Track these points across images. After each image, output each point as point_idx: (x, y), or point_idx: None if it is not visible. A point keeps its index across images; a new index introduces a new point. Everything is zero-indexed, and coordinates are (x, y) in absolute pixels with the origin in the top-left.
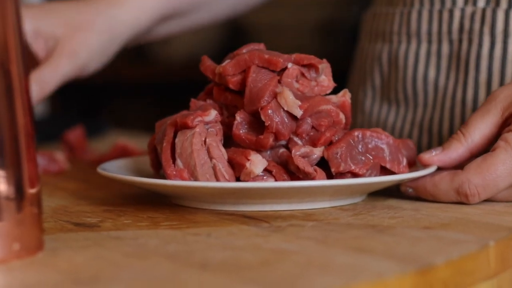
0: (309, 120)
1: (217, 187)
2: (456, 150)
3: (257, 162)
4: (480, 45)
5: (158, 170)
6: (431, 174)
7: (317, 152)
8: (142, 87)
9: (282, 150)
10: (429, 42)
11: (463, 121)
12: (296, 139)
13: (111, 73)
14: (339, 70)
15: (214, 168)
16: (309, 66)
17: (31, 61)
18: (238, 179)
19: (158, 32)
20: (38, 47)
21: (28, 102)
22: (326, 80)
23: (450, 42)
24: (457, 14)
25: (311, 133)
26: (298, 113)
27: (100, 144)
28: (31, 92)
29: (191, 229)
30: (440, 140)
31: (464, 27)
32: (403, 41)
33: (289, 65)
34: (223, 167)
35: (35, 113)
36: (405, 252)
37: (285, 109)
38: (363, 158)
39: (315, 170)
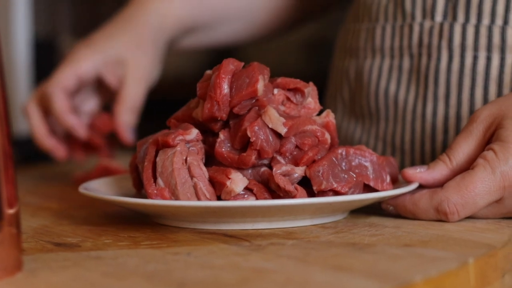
0: (293, 139)
1: (197, 206)
2: (441, 171)
3: (237, 181)
4: (438, 59)
5: (140, 189)
6: (411, 192)
7: (299, 171)
8: None
9: (263, 168)
10: (392, 57)
11: (424, 138)
12: (279, 157)
13: None
14: (325, 88)
15: (195, 187)
16: (295, 90)
17: (107, 93)
18: (219, 198)
19: (180, 44)
20: (110, 78)
21: (5, 122)
22: (312, 102)
23: (411, 56)
24: (416, 28)
25: (295, 153)
26: (283, 130)
27: (86, 162)
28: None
29: (171, 248)
30: (403, 153)
31: (423, 41)
32: (368, 57)
33: (275, 90)
34: (204, 186)
35: (18, 134)
36: (384, 269)
37: (270, 126)
38: (345, 176)
39: (296, 188)
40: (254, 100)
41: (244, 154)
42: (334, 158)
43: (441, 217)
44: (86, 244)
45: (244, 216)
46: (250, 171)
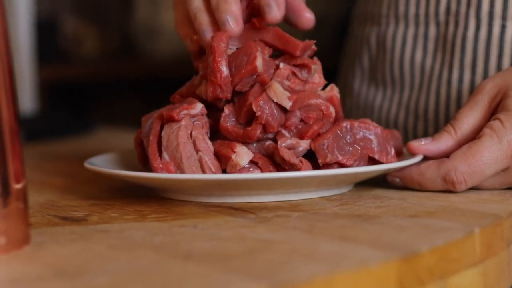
0: (298, 113)
1: (203, 179)
2: (446, 142)
3: (242, 154)
4: (466, 27)
5: (145, 164)
6: (417, 163)
7: (303, 145)
8: (131, 83)
9: (268, 142)
10: (417, 24)
11: (449, 103)
12: (284, 131)
13: (99, 70)
14: (331, 66)
15: (200, 160)
16: (302, 66)
17: None
18: (224, 171)
19: None
20: None
21: (12, 97)
22: (317, 77)
23: (437, 24)
24: None
25: (300, 126)
26: (288, 104)
27: (89, 141)
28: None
29: (177, 221)
30: (426, 122)
31: (451, 9)
32: (391, 24)
33: (281, 65)
34: (209, 160)
35: (24, 112)
36: (390, 240)
37: (275, 100)
38: (350, 149)
39: (301, 161)
40: (255, 77)
41: (249, 128)
42: (339, 131)
43: (448, 186)
44: (92, 218)
45: (249, 189)
46: (255, 145)
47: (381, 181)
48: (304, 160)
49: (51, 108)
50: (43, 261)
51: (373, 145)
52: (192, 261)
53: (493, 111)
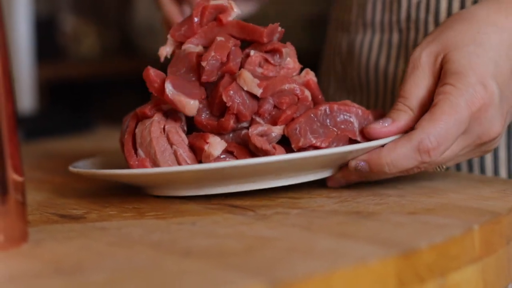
0: (270, 99)
1: (173, 172)
2: (406, 121)
3: (215, 144)
4: (426, 33)
5: None
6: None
7: (276, 130)
8: (130, 82)
9: (244, 131)
10: (382, 31)
11: None
12: (258, 119)
13: (99, 69)
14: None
15: (175, 154)
16: (273, 51)
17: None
18: (200, 163)
19: None
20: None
21: (10, 92)
22: (291, 62)
23: (399, 31)
24: (404, 4)
25: (273, 113)
26: (258, 91)
27: (88, 140)
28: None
29: (176, 219)
30: None
31: (411, 16)
32: (359, 31)
33: (251, 52)
34: (184, 152)
35: (23, 111)
36: (389, 237)
37: (245, 89)
38: (324, 131)
39: (274, 147)
40: (220, 66)
41: (223, 119)
42: (312, 115)
43: (423, 156)
44: (91, 216)
45: (224, 178)
46: (231, 135)
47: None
48: (277, 146)
49: (50, 107)
50: (42, 258)
51: (354, 127)
52: (190, 258)
53: (436, 80)
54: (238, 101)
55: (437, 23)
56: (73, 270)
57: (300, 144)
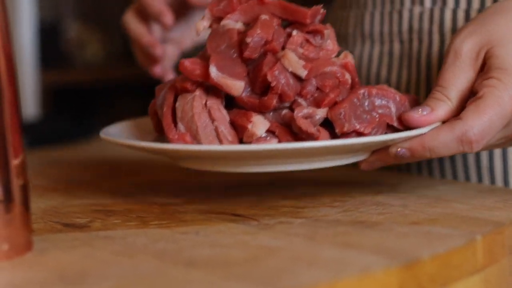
0: (313, 81)
1: (219, 151)
2: (445, 112)
3: (259, 124)
4: (430, 43)
5: (162, 133)
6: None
7: (320, 113)
8: (134, 88)
9: (285, 111)
10: (382, 43)
11: None
12: (300, 100)
13: (103, 75)
14: None
15: (216, 130)
16: (315, 32)
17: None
18: (241, 141)
19: None
20: None
21: (15, 99)
22: (330, 44)
23: (401, 42)
24: (405, 14)
25: (316, 95)
26: (303, 73)
27: (92, 146)
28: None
29: (179, 228)
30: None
31: (413, 27)
32: (357, 43)
33: (294, 32)
34: (226, 129)
35: (27, 117)
36: (392, 247)
37: (290, 70)
38: (367, 116)
39: (318, 130)
40: (264, 44)
41: (265, 98)
42: (355, 99)
43: (464, 147)
44: (95, 225)
45: (266, 158)
46: (271, 113)
47: (384, 186)
48: (321, 129)
49: (54, 113)
50: (46, 267)
51: (391, 112)
52: (194, 267)
53: (477, 73)
54: (283, 82)
55: (442, 33)
56: (77, 279)
57: (345, 129)
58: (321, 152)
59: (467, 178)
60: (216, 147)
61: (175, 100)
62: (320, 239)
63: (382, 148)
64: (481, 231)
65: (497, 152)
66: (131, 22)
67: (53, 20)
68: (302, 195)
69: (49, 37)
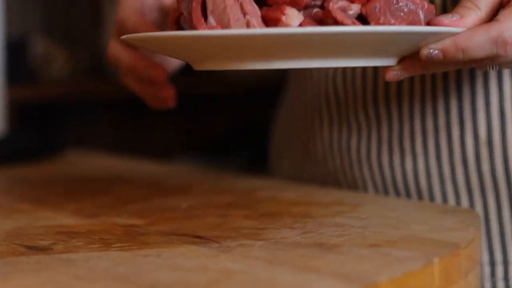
0: None
1: (257, 34)
2: (473, 20)
3: (293, 16)
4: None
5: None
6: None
7: (354, 8)
8: (101, 104)
9: (316, 10)
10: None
11: (437, 130)
12: None
13: (70, 91)
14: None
15: (247, 24)
16: None
17: None
18: None
19: None
20: None
21: None
22: None
23: None
24: None
25: None
26: None
27: (59, 164)
28: None
29: (141, 250)
30: (414, 155)
31: None
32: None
33: None
34: (257, 23)
35: None
36: (350, 270)
37: None
38: (402, 14)
39: (354, 23)
40: None
41: None
42: None
43: (499, 49)
44: (58, 247)
45: (299, 48)
46: (302, 12)
47: (343, 206)
48: (356, 22)
49: (20, 130)
50: None
51: (420, 19)
52: None
53: None
54: None
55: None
56: None
57: (381, 22)
58: (353, 41)
59: (445, 199)
60: (255, 30)
61: None
62: (279, 263)
63: (411, 54)
64: (439, 253)
65: (473, 168)
66: (119, 51)
67: (20, 36)
68: (263, 216)
69: (16, 52)
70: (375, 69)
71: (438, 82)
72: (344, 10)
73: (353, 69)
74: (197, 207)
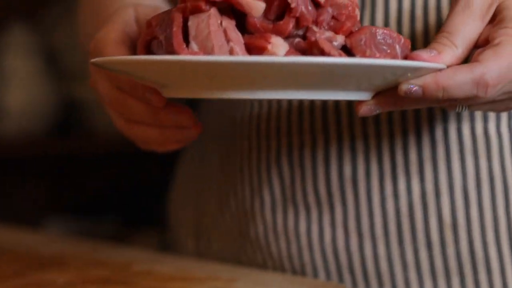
0: (330, 9)
1: (250, 61)
2: (450, 57)
3: (279, 45)
4: (404, 132)
5: None
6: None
7: (339, 39)
8: None
9: (298, 39)
10: (340, 137)
11: (399, 215)
12: (315, 28)
13: None
14: None
15: (231, 51)
16: None
17: None
18: None
19: None
20: None
21: None
22: None
23: (365, 136)
24: None
25: (331, 23)
26: None
27: None
28: None
29: None
30: (374, 240)
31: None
32: (306, 140)
33: None
34: (241, 51)
35: None
36: None
37: None
38: (384, 47)
39: (340, 54)
40: None
41: (281, 22)
42: (373, 30)
43: (479, 91)
44: None
45: (286, 77)
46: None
47: (217, 284)
48: (343, 53)
49: None
50: None
51: (397, 53)
52: None
53: (485, 24)
54: (302, 4)
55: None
56: None
57: (367, 54)
58: (346, 71)
59: (407, 284)
60: (251, 57)
61: (184, 22)
62: None
63: (389, 89)
64: None
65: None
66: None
67: None
68: None
69: None
70: (326, 140)
71: (398, 161)
72: (329, 41)
73: (301, 141)
74: (74, 283)
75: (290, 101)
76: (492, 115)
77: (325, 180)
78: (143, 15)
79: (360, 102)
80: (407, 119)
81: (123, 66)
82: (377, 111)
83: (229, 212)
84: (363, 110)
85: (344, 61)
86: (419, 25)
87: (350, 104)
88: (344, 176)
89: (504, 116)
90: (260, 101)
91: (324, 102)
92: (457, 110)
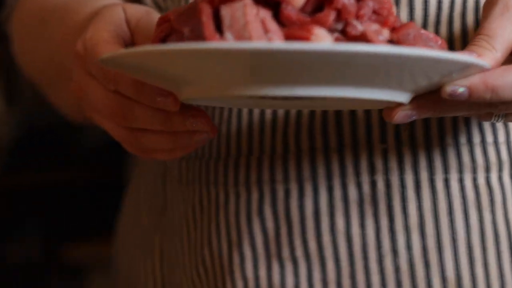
0: (370, 3)
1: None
2: (490, 59)
3: (323, 36)
4: (402, 185)
5: None
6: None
7: (385, 33)
8: None
9: (336, 34)
10: (330, 188)
11: (398, 273)
12: (355, 22)
13: None
14: None
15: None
16: None
17: None
18: None
19: None
20: None
21: None
22: None
23: (358, 185)
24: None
25: (373, 18)
26: None
27: None
28: None
29: None
30: None
31: (375, 164)
32: (292, 189)
33: None
34: (280, 41)
35: None
36: None
37: None
38: (432, 44)
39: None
40: None
41: (321, 14)
42: (417, 26)
43: None
44: None
45: (334, 70)
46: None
47: None
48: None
49: None
50: None
51: None
52: None
53: None
54: None
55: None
56: None
57: None
58: (399, 62)
59: None
60: (296, 44)
61: (214, 12)
62: None
63: (431, 92)
64: None
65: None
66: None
67: None
68: None
69: None
70: (315, 191)
71: (396, 218)
72: (376, 34)
73: (286, 190)
74: None
75: (273, 146)
76: (494, 164)
77: (315, 229)
78: (135, 20)
79: (392, 108)
80: (405, 170)
81: (147, 59)
82: (414, 117)
83: (203, 267)
84: (399, 115)
85: (410, 52)
86: (457, 27)
87: (341, 149)
88: (336, 230)
89: (506, 164)
90: (239, 145)
91: (312, 145)
92: (492, 120)
